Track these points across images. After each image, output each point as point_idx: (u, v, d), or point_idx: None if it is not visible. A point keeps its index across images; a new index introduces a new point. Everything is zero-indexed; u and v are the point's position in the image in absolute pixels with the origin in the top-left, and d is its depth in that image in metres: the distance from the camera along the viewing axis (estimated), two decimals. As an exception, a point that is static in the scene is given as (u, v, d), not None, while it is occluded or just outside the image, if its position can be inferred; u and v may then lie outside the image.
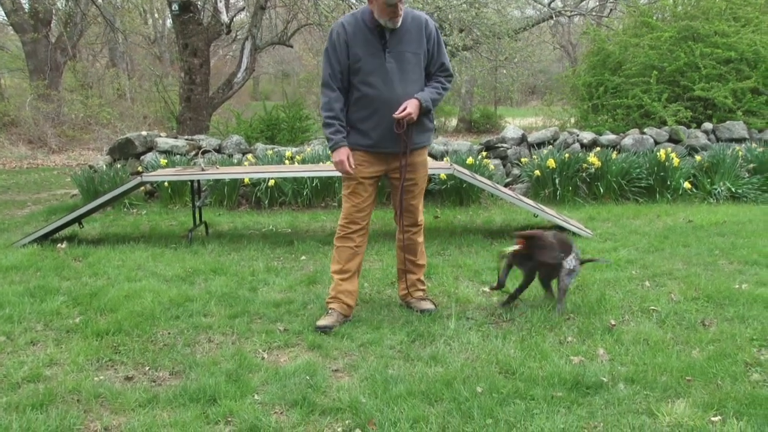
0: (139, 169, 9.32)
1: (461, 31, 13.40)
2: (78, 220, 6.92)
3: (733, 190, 8.54)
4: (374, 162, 4.13)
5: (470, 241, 6.36)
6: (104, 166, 9.32)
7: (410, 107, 3.94)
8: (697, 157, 9.04)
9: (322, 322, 4.06)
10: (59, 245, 6.34)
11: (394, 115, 3.94)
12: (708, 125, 9.89)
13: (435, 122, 4.22)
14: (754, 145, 9.54)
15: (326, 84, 4.04)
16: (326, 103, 4.04)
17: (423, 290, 4.44)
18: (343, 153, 4.01)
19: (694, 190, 8.68)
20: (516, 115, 23.91)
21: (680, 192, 8.56)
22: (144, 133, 10.22)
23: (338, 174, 7.83)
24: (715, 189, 8.57)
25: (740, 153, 9.06)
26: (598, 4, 19.70)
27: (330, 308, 4.17)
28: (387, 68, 3.97)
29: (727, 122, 9.90)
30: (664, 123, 9.89)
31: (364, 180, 4.13)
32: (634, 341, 3.68)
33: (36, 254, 6.02)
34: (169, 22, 23.48)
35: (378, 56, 3.97)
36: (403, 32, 4.00)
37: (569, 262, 4.23)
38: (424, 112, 4.05)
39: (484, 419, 2.85)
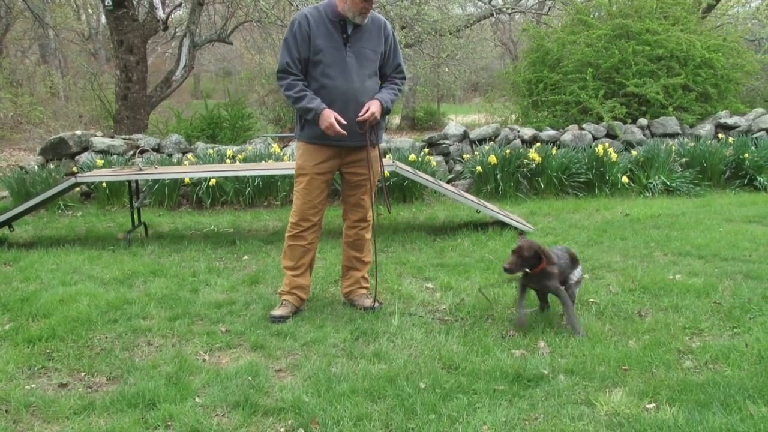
0: (74, 169, 9.04)
1: (403, 28, 13.44)
2: (8, 222, 6.66)
3: (667, 183, 8.82)
4: (328, 156, 4.13)
5: (413, 237, 6.38)
6: (36, 167, 9.00)
7: (373, 107, 4.00)
8: (633, 152, 9.31)
9: (277, 312, 4.12)
10: (-11, 249, 6.10)
11: (358, 118, 3.99)
12: (643, 121, 10.20)
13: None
14: (686, 140, 9.89)
15: (284, 70, 4.02)
16: (288, 84, 4.01)
17: (366, 287, 4.43)
18: (330, 115, 3.92)
19: (631, 184, 8.93)
20: (458, 112, 24.09)
21: (618, 186, 8.79)
22: (79, 132, 9.91)
23: (280, 173, 7.86)
24: (651, 183, 8.83)
25: (673, 148, 9.37)
26: (537, 2, 20.00)
27: (284, 299, 4.21)
28: (347, 62, 4.02)
29: (661, 118, 10.23)
30: (601, 119, 10.14)
31: (317, 176, 4.13)
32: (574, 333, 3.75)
33: (-36, 259, 5.77)
34: (103, 18, 22.81)
35: (339, 49, 4.01)
36: (364, 30, 4.07)
37: (576, 274, 4.08)
38: (384, 113, 4.13)
39: (427, 415, 2.86)
